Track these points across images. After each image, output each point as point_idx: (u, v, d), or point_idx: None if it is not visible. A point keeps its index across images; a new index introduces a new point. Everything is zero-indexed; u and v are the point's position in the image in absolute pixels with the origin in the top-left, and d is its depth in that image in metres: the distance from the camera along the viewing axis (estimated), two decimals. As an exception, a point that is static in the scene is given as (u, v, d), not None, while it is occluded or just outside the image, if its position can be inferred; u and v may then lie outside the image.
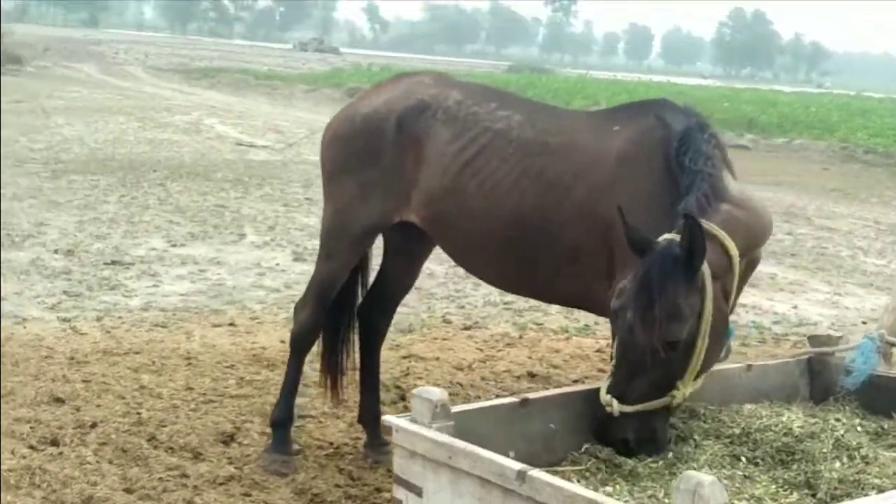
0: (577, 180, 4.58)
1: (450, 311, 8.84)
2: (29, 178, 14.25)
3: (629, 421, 3.82)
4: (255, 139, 21.04)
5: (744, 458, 3.98)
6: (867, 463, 3.93)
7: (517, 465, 3.14)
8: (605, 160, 4.52)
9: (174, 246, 10.66)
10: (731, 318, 4.23)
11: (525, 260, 4.74)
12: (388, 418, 3.51)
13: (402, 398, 6.26)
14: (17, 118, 20.45)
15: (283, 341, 6.97)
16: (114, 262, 9.74)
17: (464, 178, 4.79)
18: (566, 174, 4.62)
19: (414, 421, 3.47)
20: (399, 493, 3.52)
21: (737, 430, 4.17)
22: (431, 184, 4.88)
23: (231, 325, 7.93)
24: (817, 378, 4.94)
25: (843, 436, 4.12)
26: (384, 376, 6.65)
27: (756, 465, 3.95)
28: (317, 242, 5.55)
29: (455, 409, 3.66)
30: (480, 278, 5.31)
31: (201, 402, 6.05)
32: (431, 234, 5.06)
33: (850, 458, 3.97)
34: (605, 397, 3.83)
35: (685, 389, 3.89)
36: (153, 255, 10.13)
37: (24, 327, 7.47)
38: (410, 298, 6.84)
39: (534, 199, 4.65)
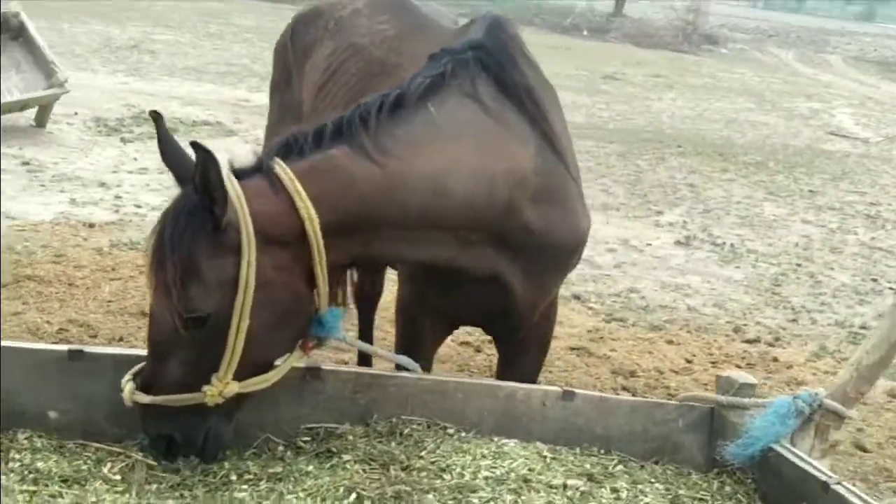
0: None
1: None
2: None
3: (162, 416, 3.00)
4: (860, 130, 19.01)
5: (355, 495, 2.94)
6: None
7: None
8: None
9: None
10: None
11: None
12: None
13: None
14: (618, 90, 20.78)
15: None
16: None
17: (316, 103, 4.10)
18: None
19: None
20: None
21: (415, 463, 3.11)
22: (305, 108, 4.25)
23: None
24: (718, 436, 3.42)
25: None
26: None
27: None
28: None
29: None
30: None
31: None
32: None
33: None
34: (123, 380, 3.03)
35: (222, 385, 2.95)
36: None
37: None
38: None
39: None
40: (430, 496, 2.87)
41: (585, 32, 33.24)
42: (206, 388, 2.93)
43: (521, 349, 3.75)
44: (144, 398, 2.95)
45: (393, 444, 3.20)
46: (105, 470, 3.03)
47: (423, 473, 3.02)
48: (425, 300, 3.56)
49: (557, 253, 3.44)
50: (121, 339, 5.61)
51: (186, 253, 2.82)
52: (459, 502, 2.87)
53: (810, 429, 3.26)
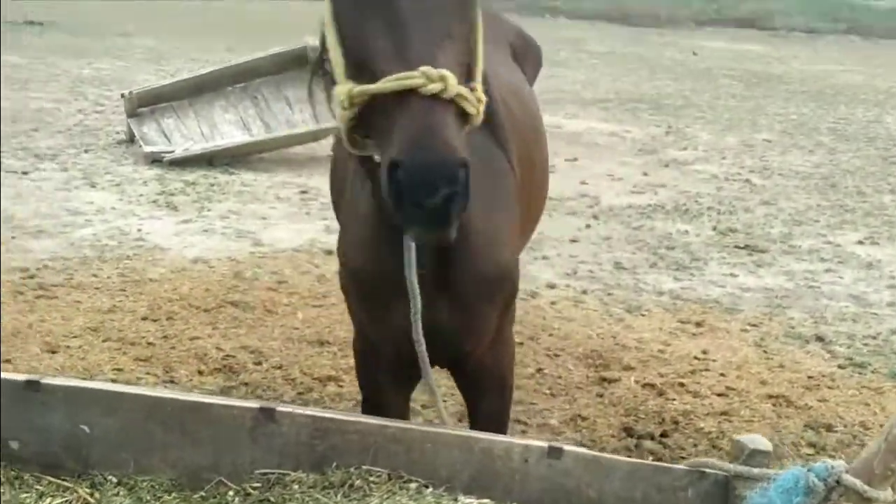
0: None
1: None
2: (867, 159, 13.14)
3: (452, 120, 2.20)
4: None
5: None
6: None
7: None
8: None
9: (861, 243, 9.19)
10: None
11: None
12: None
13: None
14: None
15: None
16: (746, 246, 8.90)
17: None
18: None
19: None
20: None
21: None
22: None
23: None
24: (733, 513, 2.90)
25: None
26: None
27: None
28: None
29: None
30: None
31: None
32: None
33: None
34: (420, 71, 2.17)
35: (481, 90, 2.37)
36: (804, 247, 8.93)
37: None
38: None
39: None
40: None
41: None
42: (475, 84, 2.33)
43: (476, 392, 3.42)
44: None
45: (339, 496, 2.90)
46: (44, 504, 2.95)
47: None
48: (366, 336, 3.31)
49: (477, 275, 3.01)
50: (279, 367, 5.60)
51: None
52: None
53: (826, 511, 2.60)
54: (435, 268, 2.93)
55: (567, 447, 2.95)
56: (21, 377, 3.15)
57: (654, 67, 22.83)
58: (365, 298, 3.20)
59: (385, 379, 3.29)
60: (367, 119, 2.30)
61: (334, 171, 3.78)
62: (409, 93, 2.14)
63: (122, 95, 11.26)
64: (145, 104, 11.15)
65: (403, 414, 3.42)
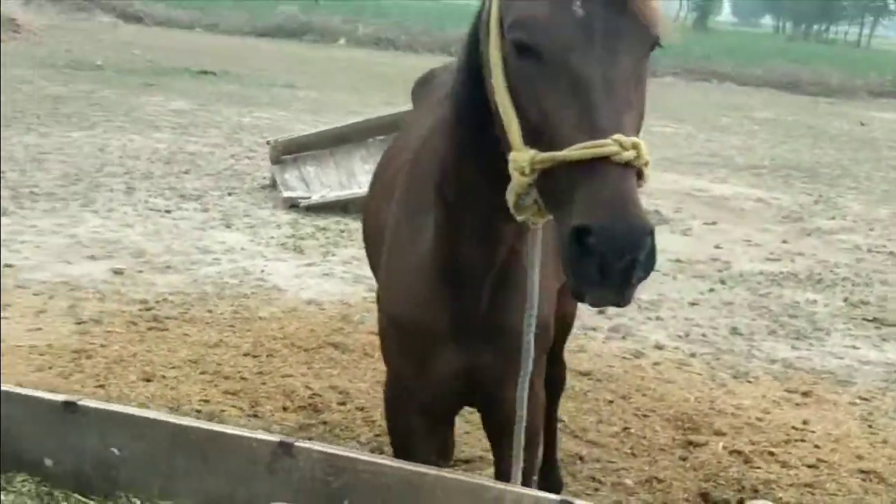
0: None
1: None
2: None
3: (636, 187, 2.22)
4: None
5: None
6: None
7: None
8: None
9: None
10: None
11: None
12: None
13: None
14: None
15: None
16: (875, 319, 8.57)
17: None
18: None
19: None
20: None
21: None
22: None
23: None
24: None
25: None
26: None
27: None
28: None
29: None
30: None
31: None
32: None
33: None
34: (612, 139, 2.17)
35: None
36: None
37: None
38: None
39: None
40: None
41: None
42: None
43: (504, 439, 3.31)
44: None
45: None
46: (72, 523, 3.08)
47: None
48: (403, 382, 3.28)
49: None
50: (362, 409, 5.67)
51: None
52: None
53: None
54: (487, 312, 2.95)
55: (578, 502, 2.90)
56: (59, 398, 3.29)
57: (817, 136, 22.29)
58: (409, 346, 3.20)
59: (417, 425, 3.28)
60: (542, 184, 2.32)
61: (367, 224, 3.82)
62: (599, 160, 2.15)
63: (268, 143, 11.64)
64: (289, 152, 11.51)
65: (431, 463, 3.40)
